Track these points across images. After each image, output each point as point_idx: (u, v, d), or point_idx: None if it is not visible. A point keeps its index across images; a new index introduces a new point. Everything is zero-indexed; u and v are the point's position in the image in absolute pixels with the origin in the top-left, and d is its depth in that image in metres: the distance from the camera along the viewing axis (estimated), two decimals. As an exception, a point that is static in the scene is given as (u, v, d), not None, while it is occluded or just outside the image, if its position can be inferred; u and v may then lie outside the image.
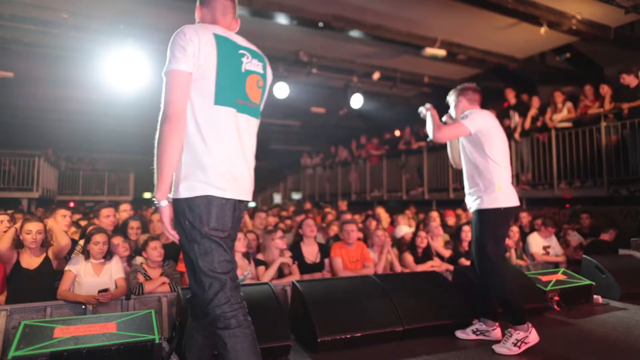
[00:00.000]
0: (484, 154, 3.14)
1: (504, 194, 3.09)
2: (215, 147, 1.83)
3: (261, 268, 4.19)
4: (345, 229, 4.69)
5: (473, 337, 3.32)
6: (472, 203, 3.22)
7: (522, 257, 5.49)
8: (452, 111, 3.46)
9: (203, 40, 1.81)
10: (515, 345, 2.97)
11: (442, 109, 3.38)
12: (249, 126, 1.97)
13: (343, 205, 8.80)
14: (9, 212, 4.64)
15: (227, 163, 1.85)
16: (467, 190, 3.29)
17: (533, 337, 3.00)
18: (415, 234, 5.13)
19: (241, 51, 1.94)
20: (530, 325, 3.01)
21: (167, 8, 6.84)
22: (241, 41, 2.00)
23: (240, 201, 1.94)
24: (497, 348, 3.04)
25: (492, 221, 3.10)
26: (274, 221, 6.43)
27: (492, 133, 3.17)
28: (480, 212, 3.13)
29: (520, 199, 8.88)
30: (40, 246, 3.54)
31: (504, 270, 3.14)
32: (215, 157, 1.83)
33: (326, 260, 4.61)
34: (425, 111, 3.33)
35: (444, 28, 7.69)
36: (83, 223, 5.27)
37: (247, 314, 1.85)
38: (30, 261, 3.50)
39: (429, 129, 3.26)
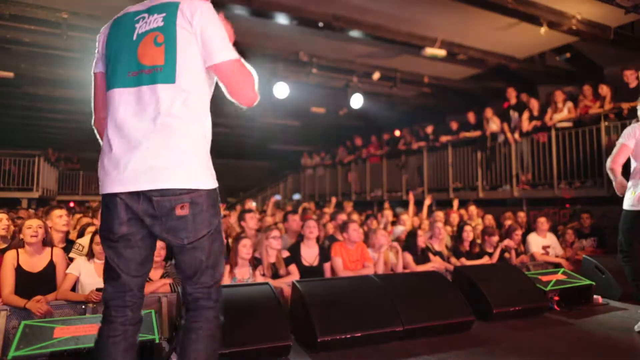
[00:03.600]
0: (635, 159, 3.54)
1: (633, 198, 3.44)
2: (104, 141, 1.73)
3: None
4: (349, 227, 4.65)
5: None
6: None
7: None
8: None
9: (102, 35, 1.87)
10: None
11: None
12: (151, 95, 1.65)
13: (348, 206, 8.79)
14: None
15: (106, 155, 1.70)
16: None
17: None
18: (413, 234, 5.12)
19: (138, 17, 1.75)
20: None
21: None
22: (147, 4, 1.79)
23: (141, 193, 1.61)
24: None
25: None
26: (272, 220, 6.42)
27: None
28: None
29: (520, 199, 8.82)
30: (42, 245, 3.49)
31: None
32: (103, 151, 1.73)
33: (326, 265, 4.49)
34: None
35: (444, 28, 7.68)
36: (85, 221, 5.28)
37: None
38: (32, 262, 3.41)
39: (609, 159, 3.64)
